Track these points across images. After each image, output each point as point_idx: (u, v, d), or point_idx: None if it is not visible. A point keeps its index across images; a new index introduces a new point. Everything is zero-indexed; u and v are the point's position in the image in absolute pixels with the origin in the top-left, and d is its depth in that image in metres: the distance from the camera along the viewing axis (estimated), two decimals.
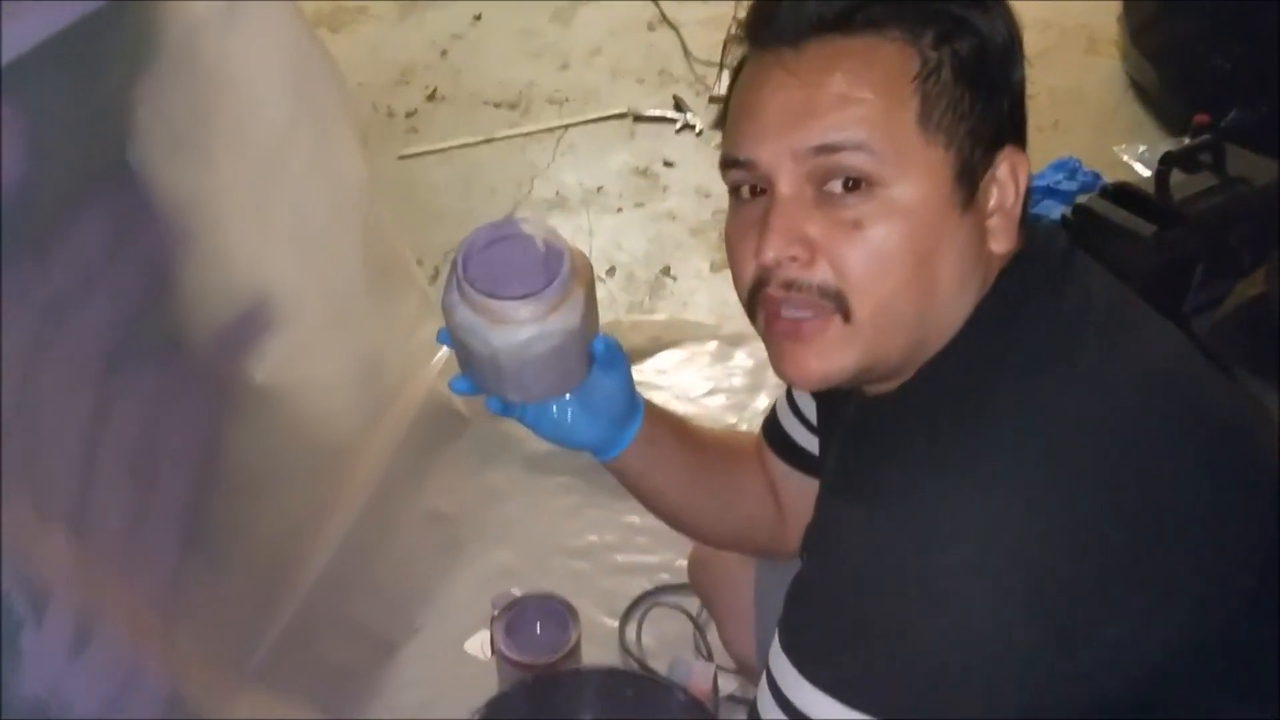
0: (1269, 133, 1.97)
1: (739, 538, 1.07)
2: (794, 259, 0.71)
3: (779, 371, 0.77)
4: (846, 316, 0.71)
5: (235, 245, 1.28)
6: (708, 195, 2.31)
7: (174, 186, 1.16)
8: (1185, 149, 1.90)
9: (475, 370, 0.85)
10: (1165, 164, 1.83)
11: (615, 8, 2.96)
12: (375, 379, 1.61)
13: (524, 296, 0.79)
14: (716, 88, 2.54)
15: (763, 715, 0.74)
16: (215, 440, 1.26)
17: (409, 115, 2.61)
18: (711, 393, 1.86)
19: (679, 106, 2.56)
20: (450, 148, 2.48)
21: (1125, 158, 2.28)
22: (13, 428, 0.93)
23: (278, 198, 1.36)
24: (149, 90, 1.12)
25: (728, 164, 0.76)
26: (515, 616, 1.33)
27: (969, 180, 0.72)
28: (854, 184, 0.70)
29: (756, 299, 0.75)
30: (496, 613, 1.34)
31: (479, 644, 1.44)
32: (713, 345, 1.93)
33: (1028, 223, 0.77)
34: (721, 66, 0.78)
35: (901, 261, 0.70)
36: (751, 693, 1.34)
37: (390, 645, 1.47)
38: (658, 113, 2.54)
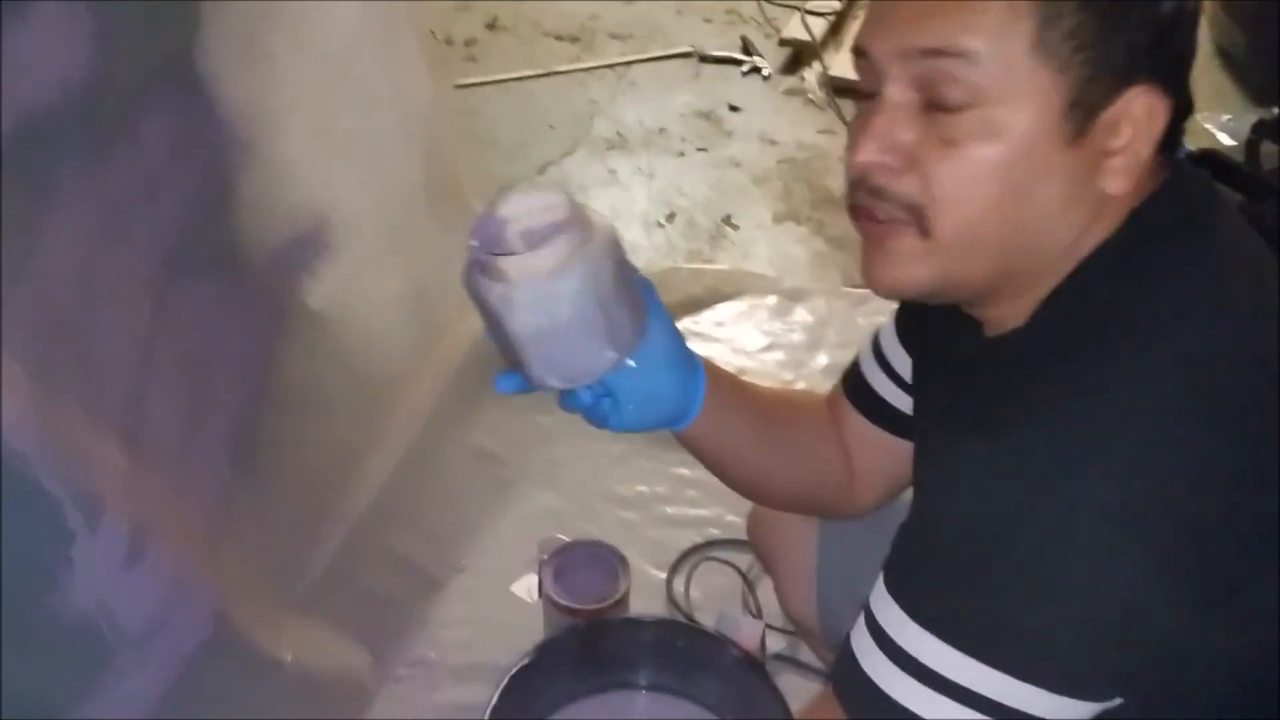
0: None
1: (806, 498, 1.03)
2: (886, 166, 0.69)
3: (862, 275, 0.75)
4: (925, 233, 0.69)
5: (297, 159, 1.24)
6: (773, 143, 2.24)
7: (238, 92, 1.13)
8: (1278, 118, 1.82)
9: (508, 350, 0.80)
10: (1257, 133, 1.76)
11: None
12: (428, 311, 1.58)
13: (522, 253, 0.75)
14: (786, 30, 2.47)
15: (863, 663, 0.70)
16: (268, 360, 1.24)
17: (468, 44, 2.55)
18: (769, 348, 1.81)
19: (747, 49, 2.48)
20: (508, 79, 2.41)
21: (1208, 125, 2.20)
22: (70, 329, 0.90)
23: (341, 112, 1.32)
24: None
25: (855, 52, 0.74)
26: (564, 562, 1.30)
27: (1082, 113, 0.67)
28: (957, 98, 0.67)
29: (853, 201, 0.73)
30: (545, 557, 1.31)
31: (526, 587, 1.42)
32: (772, 300, 1.87)
33: (1171, 162, 0.71)
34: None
35: (989, 187, 0.67)
36: (803, 654, 1.34)
37: (435, 582, 1.45)
38: (724, 54, 2.47)
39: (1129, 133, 0.67)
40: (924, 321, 0.86)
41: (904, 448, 0.94)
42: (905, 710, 0.67)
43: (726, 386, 0.89)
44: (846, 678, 0.72)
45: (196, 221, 1.09)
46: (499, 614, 1.39)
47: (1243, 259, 0.69)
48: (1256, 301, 0.67)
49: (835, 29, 2.49)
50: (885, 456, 0.98)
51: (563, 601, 1.25)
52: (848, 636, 0.73)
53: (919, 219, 0.69)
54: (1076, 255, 0.69)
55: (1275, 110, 1.90)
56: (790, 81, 2.40)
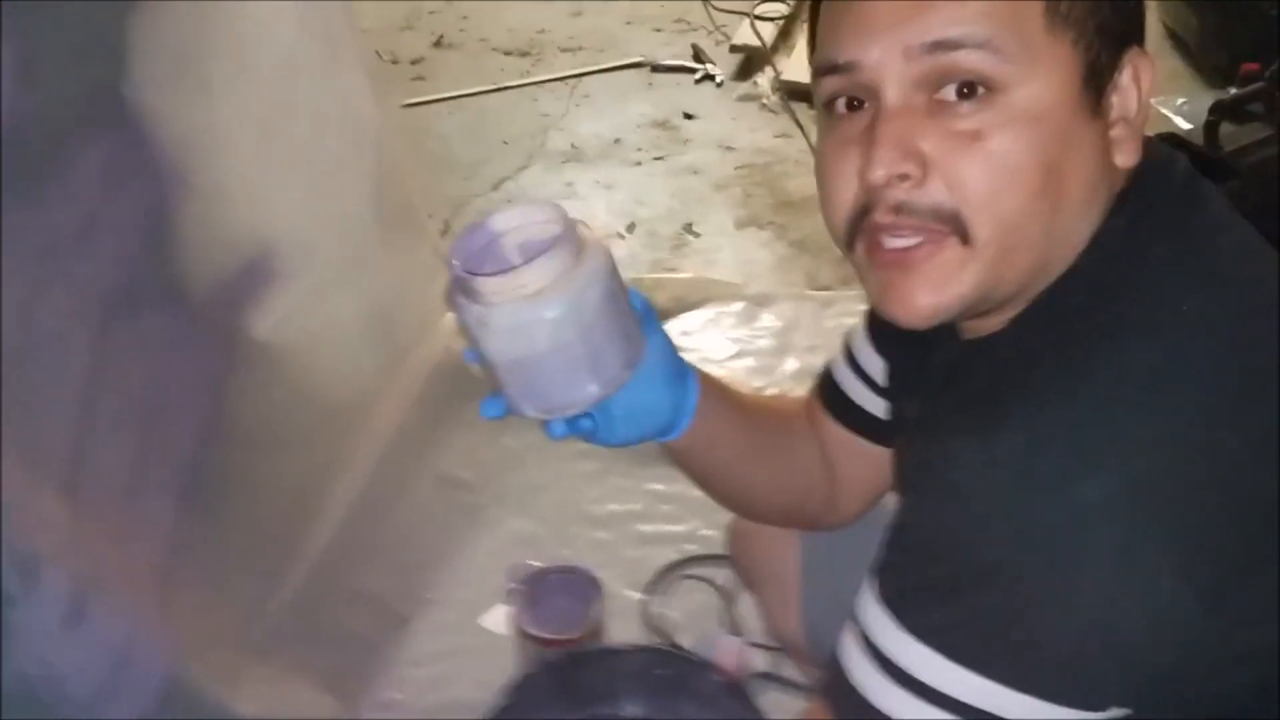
0: None
1: (792, 509, 1.00)
2: (905, 177, 0.63)
3: (883, 308, 0.68)
4: (965, 238, 0.64)
5: (239, 187, 1.22)
6: (730, 149, 2.23)
7: (174, 121, 1.10)
8: (1235, 98, 1.82)
9: (489, 373, 0.76)
10: (1215, 114, 1.75)
11: None
12: (386, 335, 1.56)
13: (499, 273, 0.71)
14: (736, 37, 2.45)
15: (857, 678, 0.66)
16: (217, 397, 1.21)
17: (414, 63, 2.52)
18: (738, 355, 1.79)
19: (698, 57, 2.47)
20: (459, 96, 2.38)
21: (1164, 110, 2.20)
22: (4, 378, 0.85)
23: (284, 136, 1.29)
24: (146, 16, 1.06)
25: (823, 71, 0.67)
26: (536, 589, 1.26)
27: (1097, 82, 0.64)
28: (970, 89, 0.62)
29: (859, 228, 0.66)
30: (515, 585, 1.27)
31: (497, 618, 1.38)
32: (738, 306, 1.85)
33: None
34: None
35: (1029, 174, 0.62)
36: (787, 670, 1.31)
37: (402, 618, 1.41)
38: (676, 62, 2.45)
39: (1125, 98, 0.66)
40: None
41: (881, 454, 0.91)
42: None
43: (717, 397, 0.86)
44: (837, 691, 0.68)
45: (136, 256, 1.07)
46: (470, 648, 1.35)
47: (1231, 237, 0.67)
48: (1249, 280, 0.65)
49: (785, 33, 2.50)
50: (863, 463, 0.95)
51: (534, 631, 1.21)
52: (836, 648, 0.70)
53: (956, 225, 0.63)
54: (1086, 236, 0.66)
55: (1230, 90, 1.89)
56: (744, 87, 2.39)
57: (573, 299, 0.70)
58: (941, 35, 0.62)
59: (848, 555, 0.83)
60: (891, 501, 0.91)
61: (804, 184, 2.14)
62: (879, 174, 0.63)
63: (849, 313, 1.85)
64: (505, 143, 2.25)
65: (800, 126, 2.25)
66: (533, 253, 0.72)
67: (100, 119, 1.01)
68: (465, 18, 2.66)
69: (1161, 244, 0.65)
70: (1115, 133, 0.66)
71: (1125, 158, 0.66)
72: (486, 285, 0.70)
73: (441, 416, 1.61)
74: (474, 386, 1.66)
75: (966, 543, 0.62)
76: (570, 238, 0.72)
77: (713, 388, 0.86)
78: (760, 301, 1.85)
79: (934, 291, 0.65)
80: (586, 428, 0.79)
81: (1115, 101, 0.66)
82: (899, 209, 0.64)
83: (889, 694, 0.64)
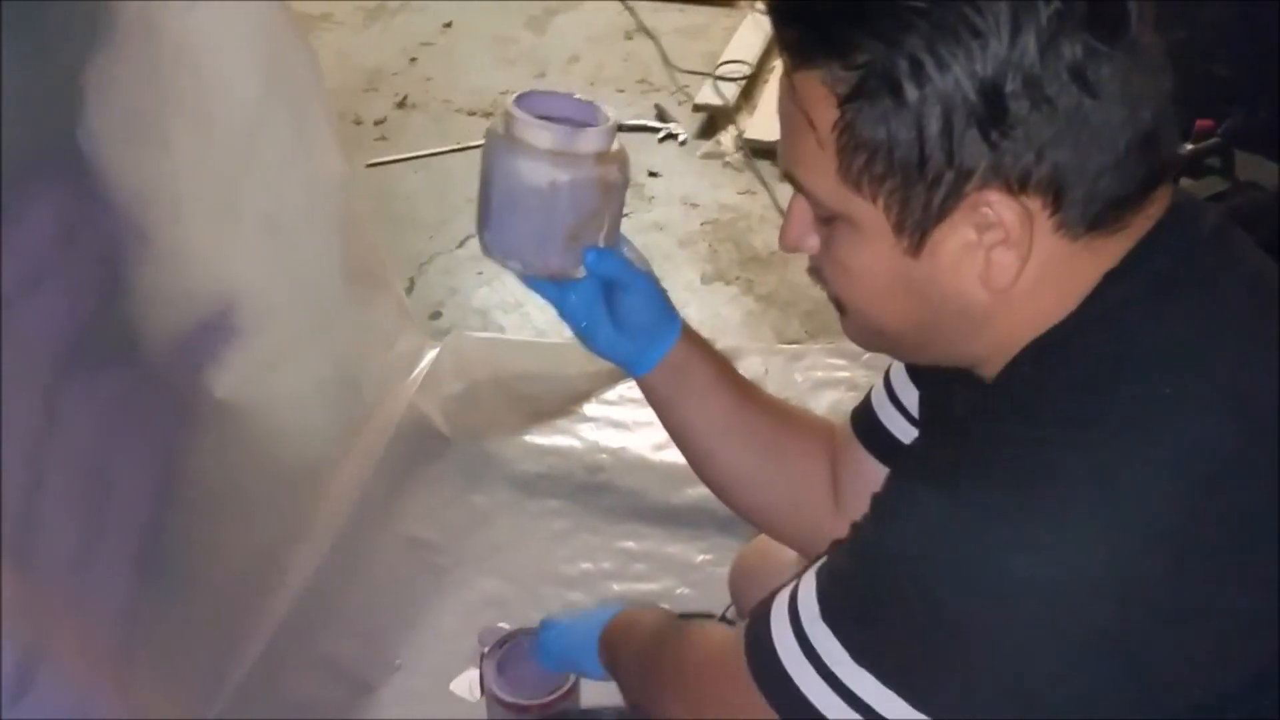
0: (1270, 137, 1.94)
1: (777, 515, 0.99)
2: (807, 250, 0.73)
3: None
4: (842, 311, 0.73)
5: (198, 242, 1.20)
6: (695, 205, 2.23)
7: (131, 175, 1.09)
8: (1191, 153, 1.86)
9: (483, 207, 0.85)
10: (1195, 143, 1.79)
11: (592, 16, 2.89)
12: (349, 394, 1.54)
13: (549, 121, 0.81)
14: (699, 96, 2.48)
15: (780, 655, 0.69)
16: (174, 459, 1.18)
17: (378, 123, 2.52)
18: None
19: (662, 116, 2.48)
20: (423, 155, 2.37)
21: None
22: None
23: (246, 192, 1.28)
24: (103, 67, 1.04)
25: None
26: (507, 653, 1.22)
27: (916, 229, 0.64)
28: (818, 208, 0.70)
29: None
30: (486, 649, 1.23)
31: (467, 684, 1.35)
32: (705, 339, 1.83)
33: (1174, 198, 0.67)
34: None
35: (864, 292, 0.70)
36: None
37: (367, 685, 1.37)
38: (639, 121, 2.46)
39: (991, 234, 0.63)
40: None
41: None
42: (812, 709, 0.67)
43: (702, 353, 0.92)
44: (758, 657, 0.71)
45: (89, 314, 1.04)
46: (440, 716, 1.32)
47: (1236, 318, 0.65)
48: (1240, 370, 0.63)
49: (746, 93, 2.54)
50: None
51: (506, 697, 1.17)
52: (767, 606, 0.72)
53: (833, 298, 0.72)
54: (1050, 309, 0.66)
55: (1187, 146, 1.93)
56: (707, 146, 2.41)
57: (587, 177, 0.80)
58: (780, 165, 0.70)
59: None
60: None
61: (769, 239, 2.14)
62: (782, 245, 0.73)
63: (819, 366, 1.85)
64: (469, 201, 2.23)
65: (764, 183, 2.26)
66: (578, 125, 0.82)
67: (54, 170, 0.99)
68: (428, 79, 2.66)
69: (1153, 319, 0.64)
70: (992, 254, 0.63)
71: (995, 283, 0.64)
72: (528, 127, 0.80)
73: (406, 477, 1.59)
74: (438, 446, 1.66)
75: (900, 577, 0.65)
76: (610, 137, 0.82)
77: (697, 345, 0.92)
78: (730, 356, 1.81)
79: (845, 328, 0.74)
80: (551, 295, 0.88)
81: (963, 237, 0.63)
82: (810, 270, 0.74)
83: (809, 681, 0.67)
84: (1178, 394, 0.61)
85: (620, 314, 0.88)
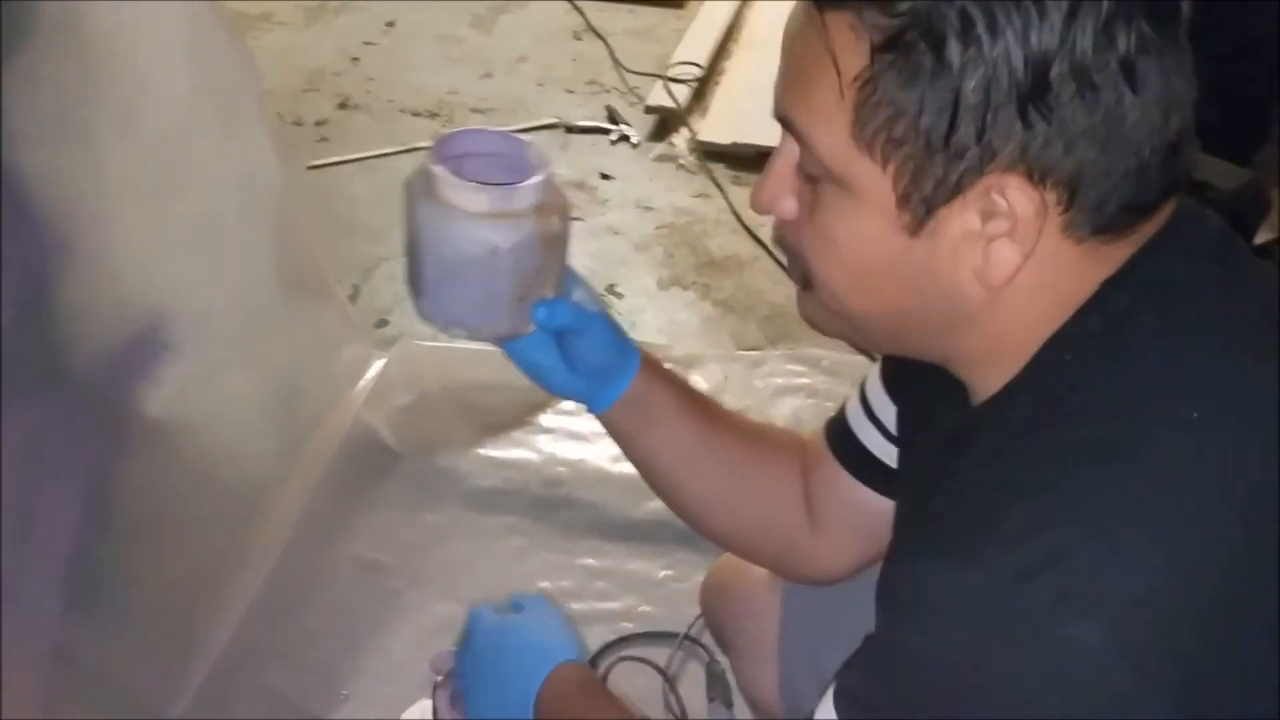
0: (1222, 138, 1.95)
1: (748, 537, 0.96)
2: (780, 212, 0.68)
3: None
4: (806, 286, 0.68)
5: (126, 251, 1.15)
6: (649, 209, 2.19)
7: (53, 180, 1.04)
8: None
9: (416, 272, 0.79)
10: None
11: (539, 16, 2.85)
12: (290, 409, 1.49)
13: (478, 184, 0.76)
14: (651, 98, 2.44)
15: None
16: (105, 483, 1.14)
17: (319, 124, 2.45)
18: None
19: (613, 118, 2.44)
20: (367, 157, 2.31)
21: None
22: None
23: (177, 197, 1.22)
24: (22, 67, 0.99)
25: None
26: None
27: (922, 204, 0.60)
28: (811, 165, 0.64)
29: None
30: (439, 677, 1.17)
31: (419, 714, 1.28)
32: (666, 368, 1.79)
33: (1176, 209, 0.63)
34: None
35: (843, 267, 0.65)
36: None
37: (315, 717, 1.32)
38: (591, 123, 2.42)
39: (996, 224, 0.59)
40: (911, 368, 0.78)
41: (883, 507, 0.85)
42: None
43: (661, 390, 0.88)
44: None
45: (10, 328, 0.98)
46: None
47: (1237, 343, 0.62)
48: (1250, 391, 0.60)
49: (699, 95, 2.51)
50: (860, 515, 0.90)
51: None
52: None
53: (803, 271, 0.67)
54: (1035, 320, 0.62)
55: None
56: (660, 148, 2.38)
57: (528, 236, 0.75)
58: (779, 111, 0.64)
59: (832, 618, 0.81)
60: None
61: (726, 243, 2.11)
62: (757, 202, 0.68)
63: (779, 372, 1.81)
64: None
65: (719, 187, 2.23)
66: (507, 179, 0.76)
67: None
68: (371, 79, 2.60)
69: (1160, 338, 0.60)
70: (992, 246, 0.60)
71: (992, 279, 0.60)
72: (458, 189, 0.74)
73: (353, 494, 1.54)
74: (387, 461, 1.61)
75: (943, 677, 0.59)
76: (547, 186, 0.76)
77: (657, 377, 0.88)
78: (688, 363, 1.80)
79: (802, 306, 0.70)
80: (500, 344, 0.85)
81: (969, 223, 0.60)
82: (777, 239, 0.69)
83: None
84: (1201, 420, 0.58)
85: (574, 356, 0.84)
